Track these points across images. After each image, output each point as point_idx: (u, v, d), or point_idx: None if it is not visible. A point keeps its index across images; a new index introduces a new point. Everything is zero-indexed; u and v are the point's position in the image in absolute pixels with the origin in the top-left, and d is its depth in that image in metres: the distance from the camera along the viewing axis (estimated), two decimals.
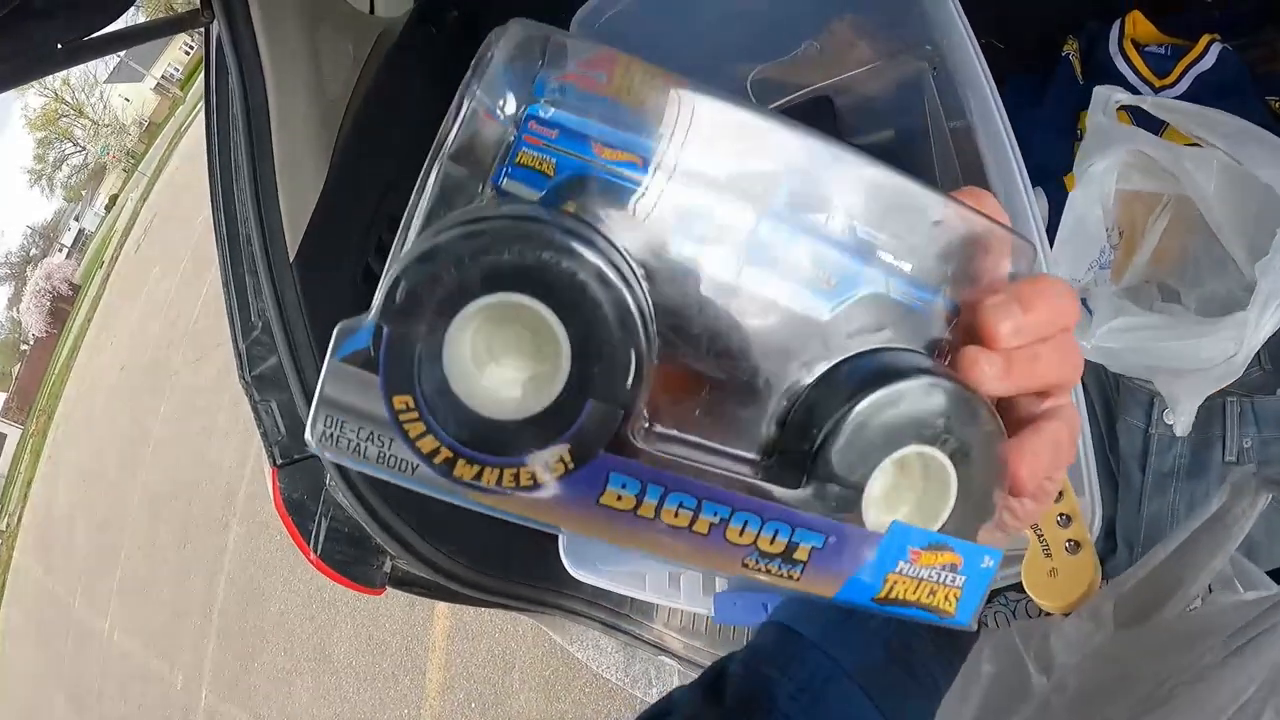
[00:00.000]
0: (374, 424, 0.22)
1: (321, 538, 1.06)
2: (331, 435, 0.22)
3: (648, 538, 0.24)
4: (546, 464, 0.23)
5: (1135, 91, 1.05)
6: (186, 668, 4.16)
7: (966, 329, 0.27)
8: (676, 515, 0.24)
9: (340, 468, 0.99)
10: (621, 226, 0.24)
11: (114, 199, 22.25)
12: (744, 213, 0.25)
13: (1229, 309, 0.75)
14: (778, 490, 0.25)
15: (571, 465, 0.23)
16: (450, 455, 0.22)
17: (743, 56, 1.14)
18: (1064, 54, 1.13)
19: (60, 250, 25.90)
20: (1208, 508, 0.43)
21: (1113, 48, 1.09)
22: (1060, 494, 0.48)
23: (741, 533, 0.25)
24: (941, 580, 0.27)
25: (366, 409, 0.22)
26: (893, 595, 0.27)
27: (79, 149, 27.86)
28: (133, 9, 0.88)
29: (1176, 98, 1.03)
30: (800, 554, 0.25)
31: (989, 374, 0.26)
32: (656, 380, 0.25)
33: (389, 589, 1.14)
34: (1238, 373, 0.72)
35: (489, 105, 0.24)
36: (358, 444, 0.22)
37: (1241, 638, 0.36)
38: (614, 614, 1.19)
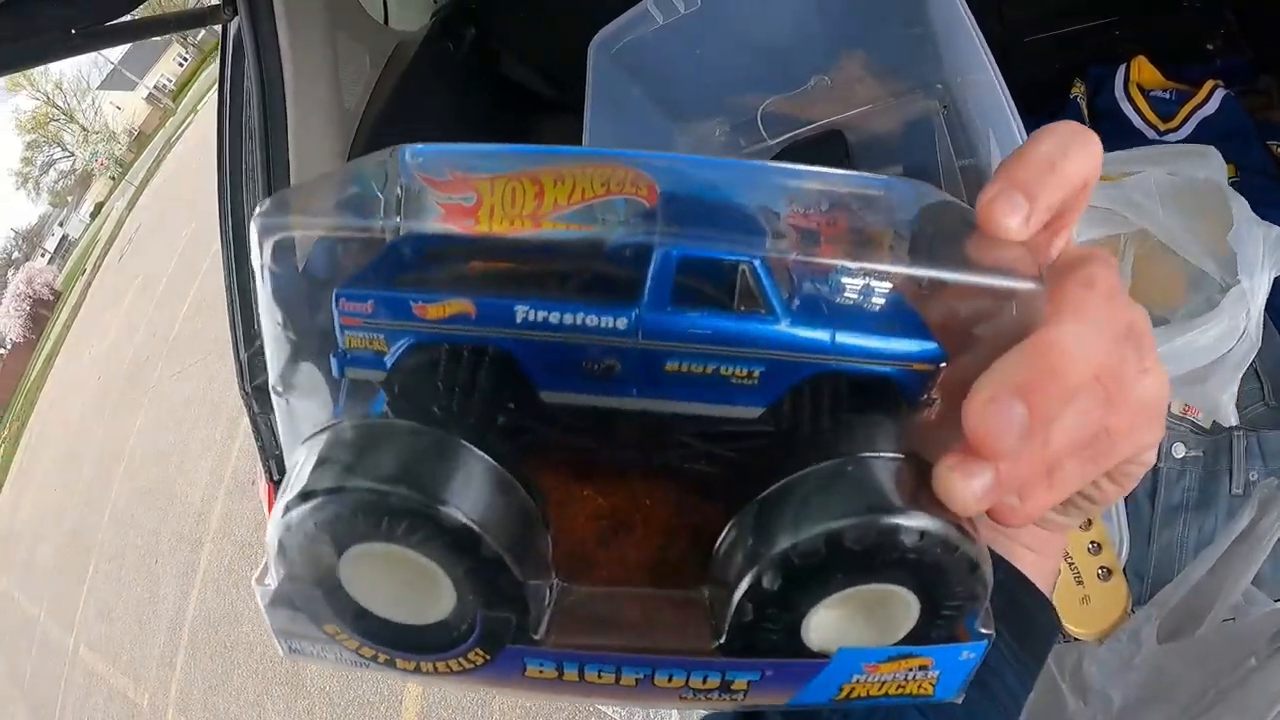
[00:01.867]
0: (323, 640, 0.24)
1: None
2: (297, 650, 0.25)
3: (580, 694, 0.24)
4: (467, 658, 0.24)
5: (1141, 134, 1.08)
6: (153, 687, 4.05)
7: (955, 392, 0.22)
8: (600, 678, 0.23)
9: None
10: (474, 392, 0.23)
11: (100, 207, 22.10)
12: (616, 324, 0.22)
13: None
14: (697, 642, 0.24)
15: (488, 657, 0.23)
16: (388, 658, 0.24)
17: (753, 87, 1.16)
18: (1072, 96, 1.15)
19: (43, 255, 25.59)
20: (1238, 523, 0.43)
21: (1118, 91, 1.12)
22: (1090, 522, 0.48)
23: (670, 680, 0.23)
24: (910, 678, 0.24)
25: (311, 633, 0.24)
26: (853, 696, 0.24)
27: (67, 154, 27.71)
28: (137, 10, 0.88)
29: (1180, 141, 1.05)
30: (738, 686, 0.24)
31: (973, 500, 0.21)
32: (562, 511, 0.25)
33: None
34: (1255, 344, 0.72)
35: (284, 311, 0.23)
36: (319, 653, 0.24)
37: (1278, 641, 0.36)
38: None
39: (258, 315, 0.96)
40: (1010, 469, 0.21)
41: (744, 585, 0.22)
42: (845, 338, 0.22)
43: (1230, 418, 0.76)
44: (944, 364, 0.23)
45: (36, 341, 16.90)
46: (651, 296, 0.21)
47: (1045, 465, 0.22)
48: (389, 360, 0.23)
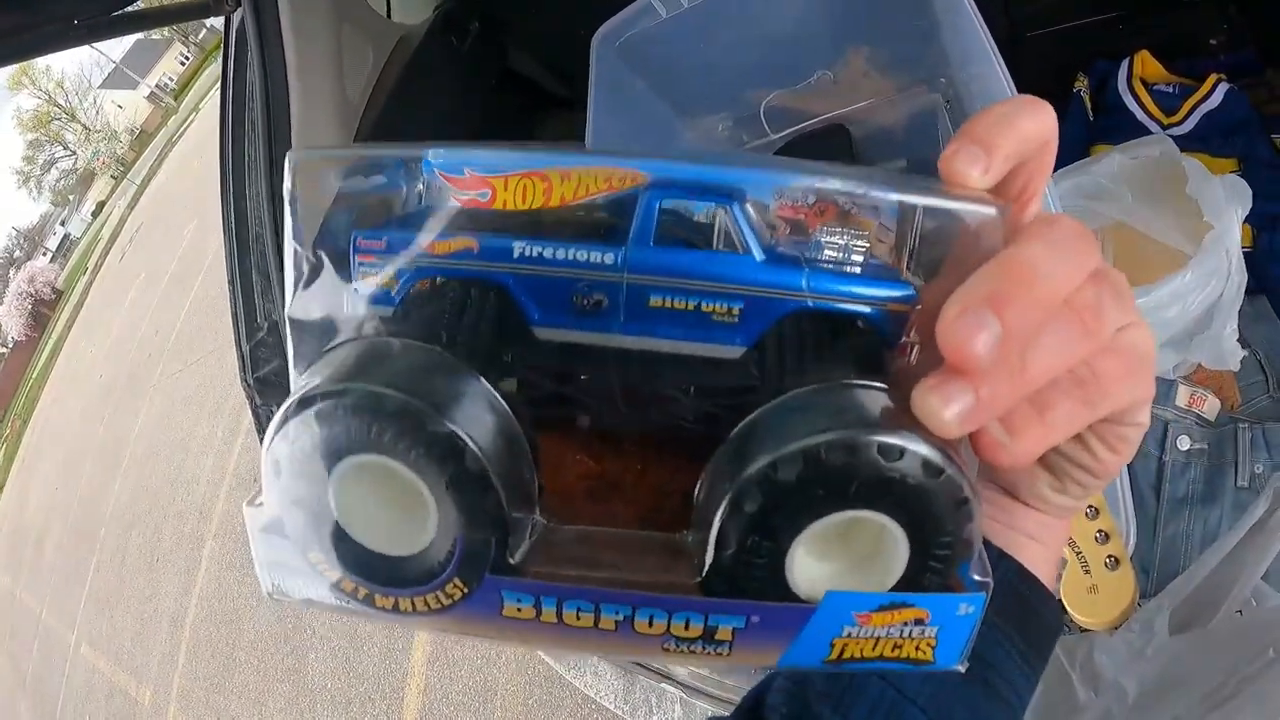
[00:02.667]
0: (306, 574, 0.24)
1: None
2: (280, 587, 0.25)
3: (559, 639, 0.24)
4: (445, 591, 0.24)
5: (1144, 128, 1.08)
6: (154, 684, 4.05)
7: (930, 327, 0.22)
8: (579, 618, 0.23)
9: None
10: (473, 322, 0.24)
11: (101, 205, 22.15)
12: (604, 259, 0.23)
13: None
14: (680, 578, 0.23)
15: (466, 590, 0.23)
16: (367, 592, 0.24)
17: (757, 82, 1.16)
18: (1075, 91, 1.15)
19: (44, 254, 25.66)
20: (1250, 515, 0.43)
21: (1122, 86, 1.11)
22: (1097, 512, 0.48)
23: (650, 624, 0.23)
24: (906, 635, 0.23)
25: (295, 563, 0.24)
26: (846, 655, 0.23)
27: (69, 153, 27.79)
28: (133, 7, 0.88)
29: (1184, 135, 1.05)
30: (722, 635, 0.23)
31: (953, 420, 0.21)
32: (553, 472, 0.25)
33: None
34: (1243, 278, 0.75)
35: (306, 244, 0.25)
36: (300, 589, 0.25)
37: None
38: None
39: (260, 307, 0.96)
40: (991, 392, 0.21)
41: (722, 508, 0.22)
42: (820, 278, 0.24)
43: (1238, 352, 0.77)
44: (918, 304, 0.24)
45: (38, 340, 16.95)
46: (636, 235, 0.23)
47: (1028, 390, 0.22)
48: (397, 294, 0.25)
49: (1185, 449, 0.82)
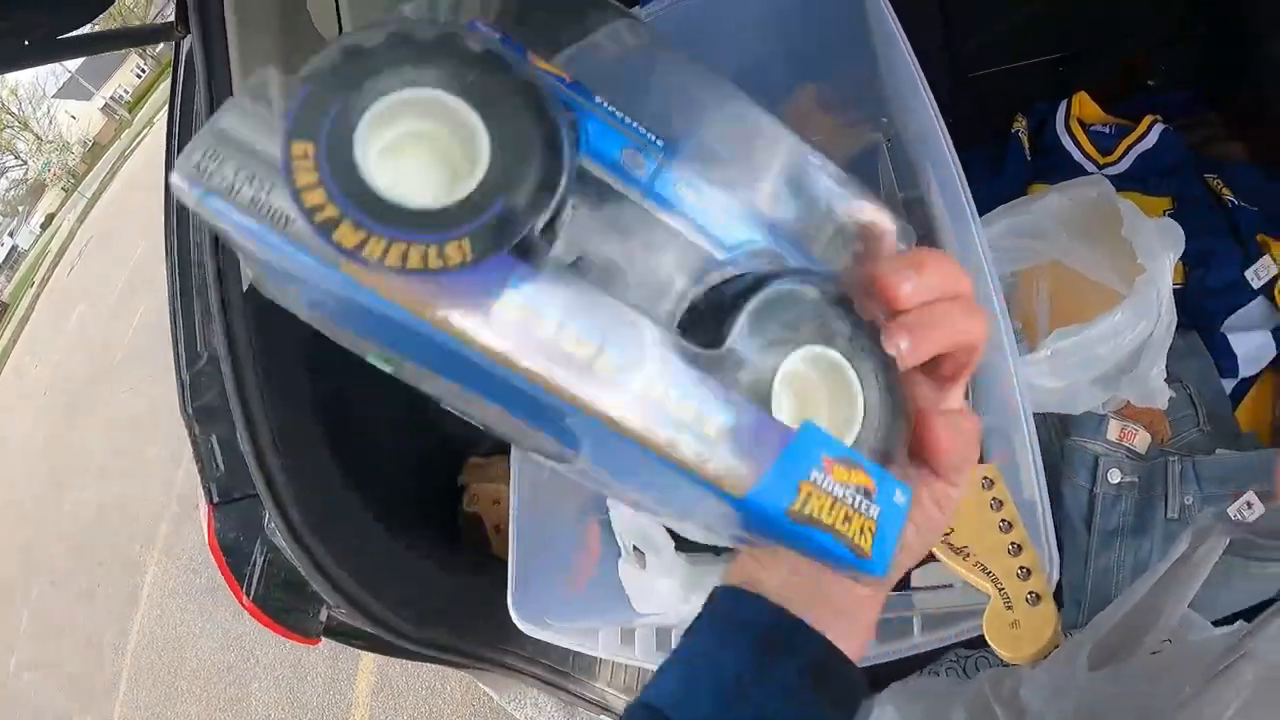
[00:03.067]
0: (259, 165, 0.21)
1: (257, 581, 1.01)
2: (206, 169, 0.21)
3: (542, 370, 0.22)
4: (442, 250, 0.20)
5: (1081, 168, 1.11)
6: (95, 713, 3.90)
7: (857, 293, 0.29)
8: (579, 346, 0.22)
9: (282, 512, 0.95)
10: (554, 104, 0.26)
11: (50, 218, 21.54)
12: (658, 140, 0.27)
13: None
14: (687, 345, 0.25)
15: (471, 257, 0.20)
16: (336, 215, 0.20)
17: None
18: (1013, 131, 1.18)
19: None
20: (1174, 551, 0.45)
21: (1059, 126, 1.15)
22: (1020, 548, 0.49)
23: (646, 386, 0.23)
24: (857, 506, 0.25)
25: (257, 147, 0.21)
26: (807, 510, 0.24)
27: (20, 163, 26.98)
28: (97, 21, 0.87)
29: (1119, 174, 1.09)
30: (710, 428, 0.24)
31: (905, 349, 0.28)
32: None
33: (323, 639, 1.09)
34: (1172, 319, 0.79)
35: None
36: (233, 183, 0.21)
37: (1221, 663, 0.37)
38: (555, 672, 1.14)
39: (200, 335, 0.94)
40: (923, 337, 0.28)
41: (742, 297, 0.26)
42: (785, 247, 0.30)
43: (1165, 391, 0.81)
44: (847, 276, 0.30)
45: None
46: (686, 141, 0.28)
47: (944, 344, 0.30)
48: None
49: (1116, 482, 0.84)
